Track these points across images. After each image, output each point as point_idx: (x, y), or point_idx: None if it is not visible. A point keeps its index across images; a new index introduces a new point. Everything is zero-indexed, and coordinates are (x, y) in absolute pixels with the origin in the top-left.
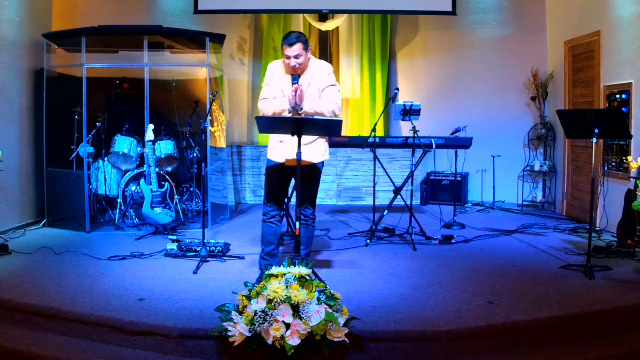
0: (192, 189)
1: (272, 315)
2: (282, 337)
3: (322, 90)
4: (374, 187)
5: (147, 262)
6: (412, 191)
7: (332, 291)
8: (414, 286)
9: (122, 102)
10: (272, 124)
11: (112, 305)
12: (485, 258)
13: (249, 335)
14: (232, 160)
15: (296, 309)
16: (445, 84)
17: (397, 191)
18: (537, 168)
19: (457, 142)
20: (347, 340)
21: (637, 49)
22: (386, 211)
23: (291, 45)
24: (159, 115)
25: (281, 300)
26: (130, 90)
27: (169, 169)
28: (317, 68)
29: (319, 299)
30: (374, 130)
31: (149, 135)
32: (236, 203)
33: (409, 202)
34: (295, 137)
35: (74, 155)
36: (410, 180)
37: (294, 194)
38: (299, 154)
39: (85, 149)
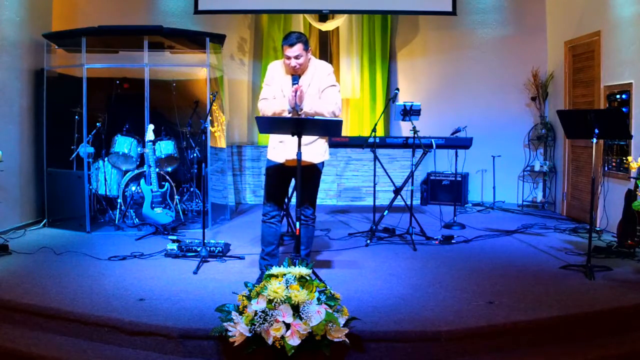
0: (192, 189)
1: (272, 315)
2: (282, 337)
3: (322, 91)
4: (374, 187)
5: (147, 262)
6: (412, 191)
7: (332, 291)
8: (414, 286)
9: (122, 102)
10: (272, 124)
11: (112, 305)
12: (485, 258)
13: (249, 335)
14: (232, 160)
15: (296, 309)
16: (445, 84)
17: (397, 191)
18: (537, 168)
19: (457, 142)
20: (347, 340)
21: (637, 49)
22: (386, 211)
23: (291, 45)
24: (159, 115)
25: (281, 300)
26: (130, 90)
27: (169, 169)
28: (317, 68)
29: (319, 299)
30: (374, 130)
31: (149, 135)
32: (236, 203)
33: (409, 202)
34: (295, 137)
35: (74, 155)
36: (410, 180)
37: (294, 194)
38: (299, 154)
39: (85, 149)
